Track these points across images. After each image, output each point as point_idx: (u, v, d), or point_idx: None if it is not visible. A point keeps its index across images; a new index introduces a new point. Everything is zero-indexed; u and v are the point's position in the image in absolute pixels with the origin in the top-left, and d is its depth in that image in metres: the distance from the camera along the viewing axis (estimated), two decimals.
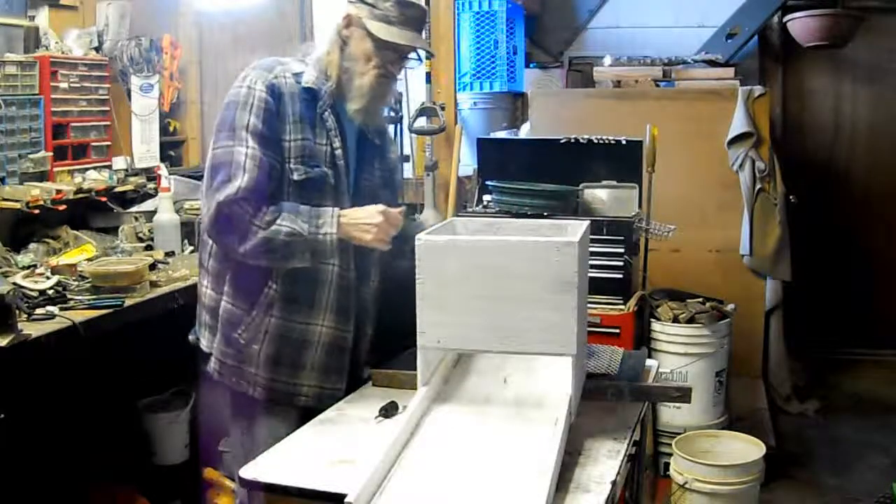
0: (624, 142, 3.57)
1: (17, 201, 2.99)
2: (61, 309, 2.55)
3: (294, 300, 2.06)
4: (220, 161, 1.97)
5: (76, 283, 2.77)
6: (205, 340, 2.16)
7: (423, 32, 2.19)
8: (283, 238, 1.94)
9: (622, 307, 3.33)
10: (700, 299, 3.91)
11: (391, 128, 4.14)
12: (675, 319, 3.77)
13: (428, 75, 4.16)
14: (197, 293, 2.21)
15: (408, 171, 4.21)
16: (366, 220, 2.01)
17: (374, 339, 2.24)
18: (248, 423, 2.13)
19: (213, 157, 2.00)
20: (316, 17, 4.62)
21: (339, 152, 2.09)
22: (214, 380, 2.14)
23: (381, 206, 2.03)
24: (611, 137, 3.59)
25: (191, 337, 2.23)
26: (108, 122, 3.62)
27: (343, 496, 1.45)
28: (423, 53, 2.21)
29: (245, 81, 2.01)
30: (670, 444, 3.40)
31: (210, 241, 2.10)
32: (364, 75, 2.07)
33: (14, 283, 2.57)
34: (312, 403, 2.07)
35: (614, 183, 3.48)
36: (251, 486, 1.63)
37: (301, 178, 2.03)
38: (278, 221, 1.95)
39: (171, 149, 4.04)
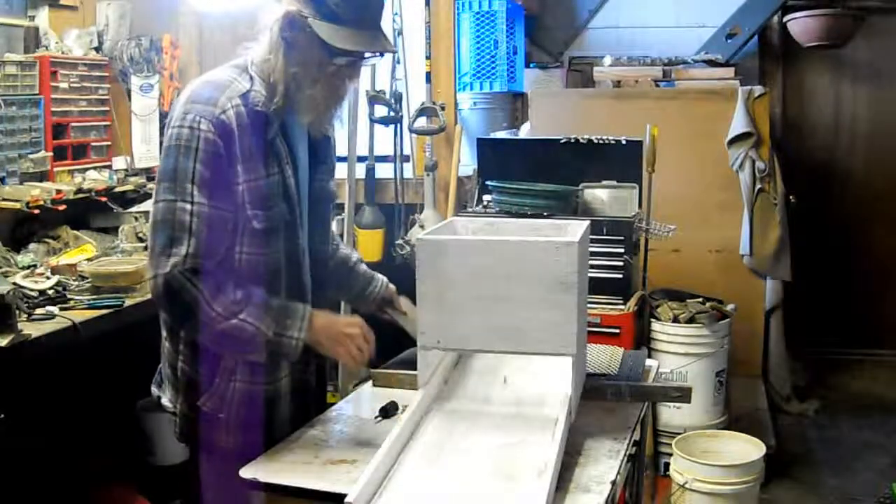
0: (624, 142, 3.56)
1: (17, 201, 3.00)
2: (61, 309, 2.56)
3: (255, 362, 1.81)
4: (161, 219, 1.68)
5: (76, 283, 2.77)
6: (167, 396, 1.91)
7: (381, 22, 1.81)
8: (245, 336, 1.69)
9: (622, 307, 3.33)
10: (700, 299, 3.91)
11: (391, 128, 4.14)
12: (675, 319, 3.77)
13: (428, 75, 4.16)
14: (161, 341, 1.94)
15: (408, 171, 4.21)
16: (342, 331, 1.80)
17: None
18: (222, 476, 1.79)
19: (154, 214, 1.70)
20: None
21: (290, 181, 1.80)
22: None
23: (359, 320, 1.83)
24: (611, 137, 3.58)
25: (153, 389, 1.98)
26: (108, 122, 3.62)
27: (343, 496, 1.45)
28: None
29: (186, 121, 1.68)
30: (670, 444, 3.40)
31: None
32: (316, 84, 1.75)
33: (14, 283, 2.57)
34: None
35: (614, 183, 3.48)
36: (251, 486, 1.63)
37: (262, 225, 1.75)
38: (242, 315, 1.68)
39: None
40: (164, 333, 1.89)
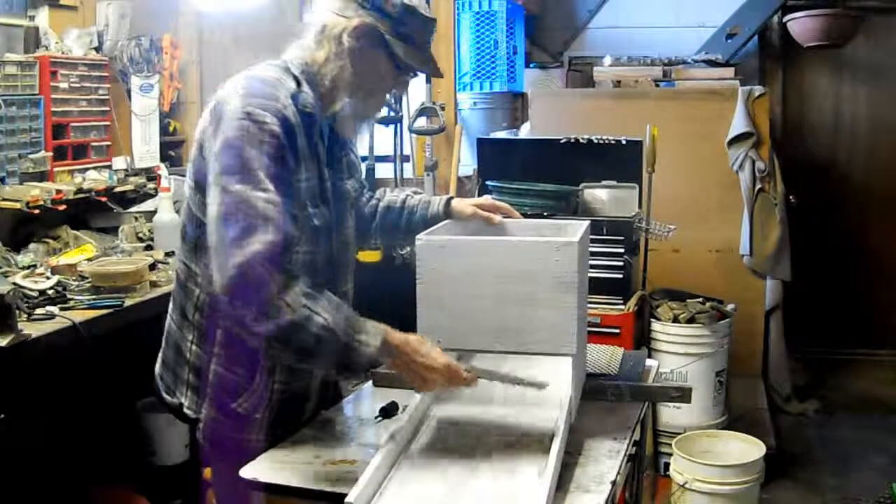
0: (624, 142, 3.56)
1: (17, 201, 3.00)
2: (61, 309, 2.55)
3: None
4: (235, 210, 1.58)
5: (76, 283, 2.77)
6: (187, 401, 1.85)
7: None
8: (314, 330, 1.57)
9: (622, 307, 3.33)
10: (700, 299, 3.91)
11: (391, 127, 4.14)
12: (675, 319, 3.77)
13: (428, 75, 4.16)
14: (174, 341, 1.88)
15: (408, 171, 4.21)
16: (426, 363, 1.65)
17: None
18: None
19: (224, 206, 1.59)
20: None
21: (328, 184, 1.83)
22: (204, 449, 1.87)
23: (451, 360, 1.68)
24: (611, 137, 3.58)
25: (166, 396, 1.90)
26: (108, 122, 3.62)
27: (343, 496, 1.45)
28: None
29: (250, 115, 1.64)
30: (670, 444, 3.40)
31: (196, 290, 1.80)
32: (373, 96, 1.84)
33: (14, 283, 2.56)
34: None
35: (614, 183, 3.48)
36: (251, 486, 1.63)
37: (320, 222, 1.78)
38: (314, 307, 1.57)
39: (171, 149, 4.04)
40: (189, 337, 1.83)
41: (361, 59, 1.77)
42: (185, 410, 1.86)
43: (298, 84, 1.75)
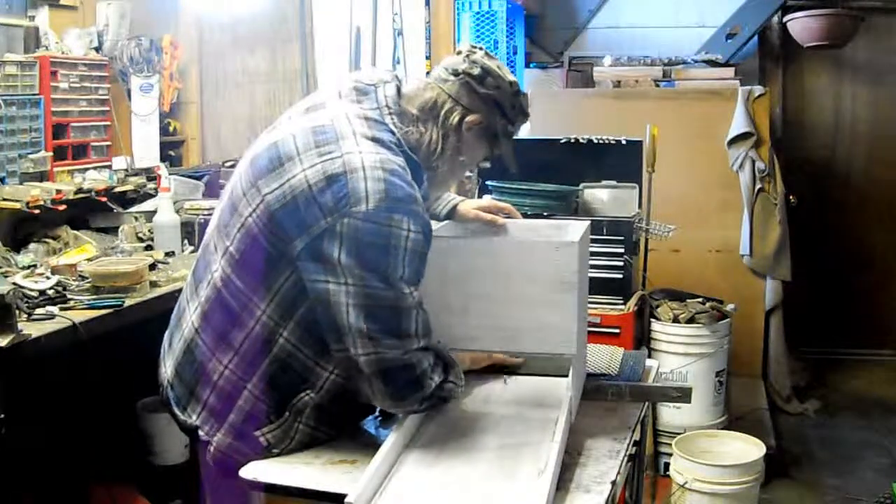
0: (624, 142, 3.57)
1: (17, 201, 2.99)
2: (61, 309, 2.55)
3: (326, 412, 1.76)
4: (377, 304, 1.63)
5: (76, 283, 2.76)
6: (199, 421, 1.80)
7: None
8: (445, 395, 1.74)
9: (622, 307, 3.33)
10: (700, 299, 3.91)
11: None
12: (675, 319, 3.77)
13: (428, 74, 4.16)
14: (199, 360, 1.80)
15: None
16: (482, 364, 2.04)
17: None
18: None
19: (367, 299, 1.62)
20: (316, 17, 4.62)
21: None
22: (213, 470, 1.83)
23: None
24: (611, 137, 3.59)
25: (176, 410, 1.86)
26: (108, 122, 3.62)
27: (343, 496, 1.45)
28: None
29: (392, 218, 1.61)
30: (670, 444, 3.40)
31: (251, 322, 1.72)
32: (456, 173, 1.94)
33: (14, 283, 2.56)
34: None
35: (614, 183, 3.49)
36: (251, 486, 1.63)
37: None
38: (451, 378, 1.74)
39: (171, 149, 4.04)
40: (225, 361, 1.75)
41: (467, 147, 1.84)
42: (201, 435, 1.80)
43: (408, 163, 1.73)
